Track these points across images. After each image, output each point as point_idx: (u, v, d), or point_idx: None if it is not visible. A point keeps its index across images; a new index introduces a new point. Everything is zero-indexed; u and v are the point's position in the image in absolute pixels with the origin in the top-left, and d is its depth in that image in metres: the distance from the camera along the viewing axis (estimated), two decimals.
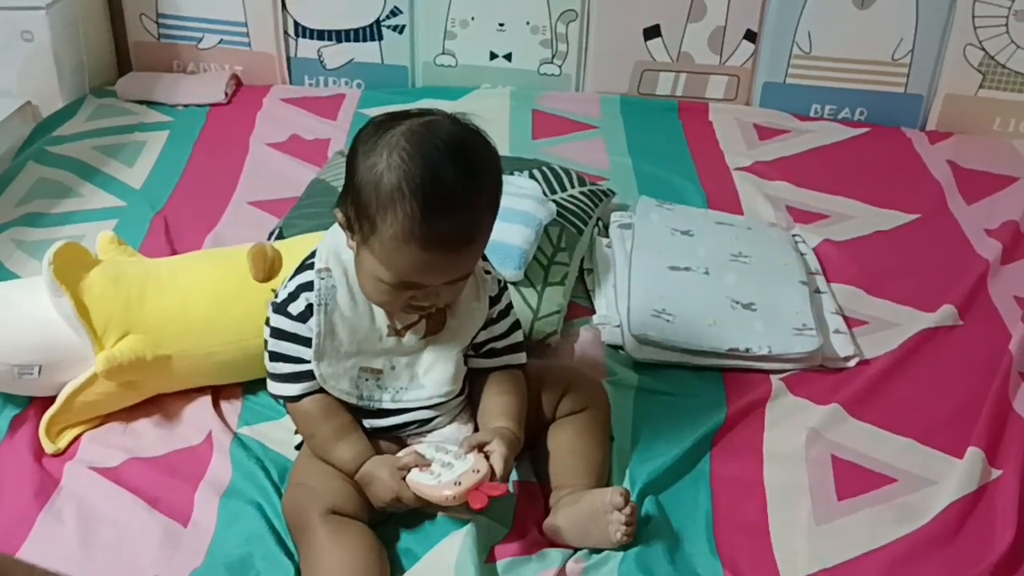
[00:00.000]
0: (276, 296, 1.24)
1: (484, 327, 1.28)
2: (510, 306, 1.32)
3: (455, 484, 1.15)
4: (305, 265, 1.24)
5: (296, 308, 1.21)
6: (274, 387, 1.27)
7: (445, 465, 1.18)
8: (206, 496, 1.28)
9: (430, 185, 1.08)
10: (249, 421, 1.41)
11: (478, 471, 1.16)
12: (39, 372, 1.36)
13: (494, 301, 1.28)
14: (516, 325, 1.33)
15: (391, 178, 1.08)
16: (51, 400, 1.37)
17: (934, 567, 1.22)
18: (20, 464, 1.32)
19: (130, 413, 1.41)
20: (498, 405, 1.27)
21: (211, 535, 1.22)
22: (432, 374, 1.25)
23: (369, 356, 1.24)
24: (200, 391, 1.44)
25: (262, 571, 1.17)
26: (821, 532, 1.26)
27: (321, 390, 1.24)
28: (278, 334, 1.23)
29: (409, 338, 1.24)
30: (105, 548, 1.21)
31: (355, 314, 1.22)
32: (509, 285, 1.54)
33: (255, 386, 1.44)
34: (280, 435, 1.37)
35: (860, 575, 1.21)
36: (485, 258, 1.30)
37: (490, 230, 1.16)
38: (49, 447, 1.34)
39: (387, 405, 1.26)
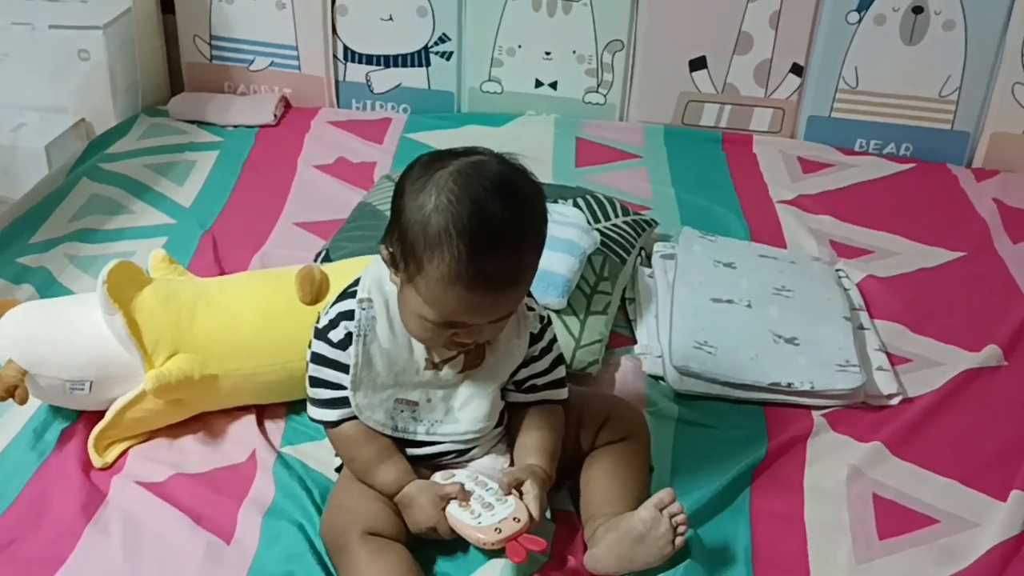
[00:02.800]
0: (318, 321, 1.26)
1: (525, 364, 1.28)
2: (553, 341, 1.32)
3: (495, 530, 1.15)
4: (348, 292, 1.25)
5: (336, 335, 1.22)
6: (314, 412, 1.28)
7: (485, 505, 1.18)
8: (249, 514, 1.29)
9: (477, 227, 1.09)
10: (292, 441, 1.43)
11: (518, 520, 1.16)
12: (90, 388, 1.39)
13: (536, 338, 1.29)
14: (558, 360, 1.33)
15: (439, 219, 1.09)
16: (100, 414, 1.40)
17: None
18: (68, 476, 1.34)
19: (176, 430, 1.43)
20: (534, 440, 1.28)
21: (253, 553, 1.24)
22: (467, 409, 1.26)
23: (405, 388, 1.24)
24: (245, 410, 1.46)
25: None
26: (862, 571, 1.25)
27: None
28: (318, 359, 1.25)
29: (446, 372, 1.25)
30: (149, 562, 1.22)
31: (394, 346, 1.23)
32: (552, 314, 1.55)
33: (298, 406, 1.45)
34: (322, 455, 1.38)
35: None
36: (529, 294, 1.30)
37: (535, 269, 1.17)
38: (97, 461, 1.36)
39: (421, 437, 1.26)
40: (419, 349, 1.23)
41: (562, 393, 1.33)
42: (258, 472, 1.36)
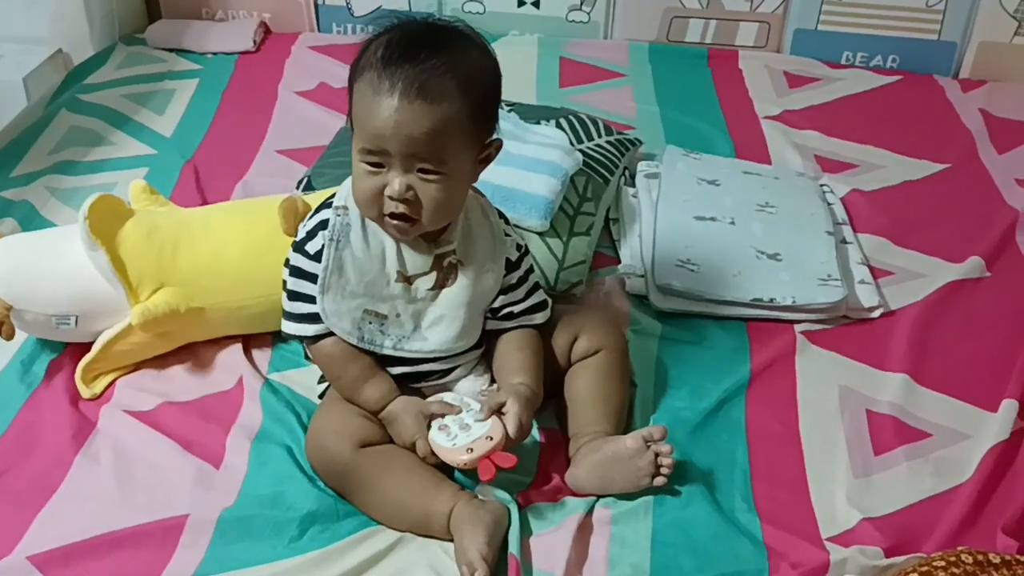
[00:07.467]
0: (297, 234, 1.26)
1: (503, 292, 1.29)
2: (530, 271, 1.33)
3: (467, 450, 1.17)
4: (325, 203, 1.26)
5: (313, 247, 1.23)
6: (290, 327, 1.27)
7: (463, 427, 1.19)
8: (238, 439, 1.31)
9: (397, 39, 1.14)
10: (279, 367, 1.44)
11: (491, 438, 1.17)
12: (76, 322, 1.39)
13: (513, 266, 1.29)
14: (535, 287, 1.33)
15: (369, 48, 1.16)
16: (87, 345, 1.40)
17: (972, 517, 1.22)
18: (58, 407, 1.35)
19: (163, 359, 1.44)
20: (515, 361, 1.28)
21: (243, 476, 1.25)
22: (437, 328, 1.26)
23: (375, 300, 1.24)
24: (231, 338, 1.47)
25: (295, 504, 1.20)
26: (860, 486, 1.27)
27: None
28: (296, 272, 1.25)
29: (418, 288, 1.25)
30: (141, 488, 1.24)
31: (366, 256, 1.23)
32: (535, 235, 1.55)
33: None
34: (308, 381, 1.39)
35: (899, 528, 1.20)
36: (507, 221, 1.31)
37: (464, 122, 1.14)
38: (85, 392, 1.37)
39: (387, 351, 1.26)
40: (391, 261, 1.23)
41: (539, 318, 1.33)
42: (245, 398, 1.37)
